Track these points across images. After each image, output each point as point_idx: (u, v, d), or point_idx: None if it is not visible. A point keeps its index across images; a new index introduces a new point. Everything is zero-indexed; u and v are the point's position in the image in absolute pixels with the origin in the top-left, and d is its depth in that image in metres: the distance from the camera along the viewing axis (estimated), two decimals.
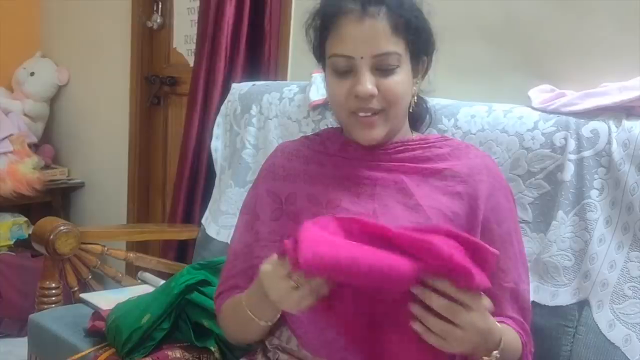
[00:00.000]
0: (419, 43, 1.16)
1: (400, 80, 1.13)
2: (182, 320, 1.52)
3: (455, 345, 0.96)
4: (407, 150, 1.21)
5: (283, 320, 1.17)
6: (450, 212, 1.14)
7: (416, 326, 0.94)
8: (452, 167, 1.18)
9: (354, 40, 1.11)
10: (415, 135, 1.27)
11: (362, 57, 1.11)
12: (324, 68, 1.21)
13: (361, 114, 1.14)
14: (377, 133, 1.16)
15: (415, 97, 1.22)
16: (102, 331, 1.61)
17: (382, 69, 1.12)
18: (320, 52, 1.20)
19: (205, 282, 1.53)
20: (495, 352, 1.03)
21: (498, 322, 1.13)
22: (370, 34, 1.11)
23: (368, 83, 1.11)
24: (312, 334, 1.15)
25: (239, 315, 1.15)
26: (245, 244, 1.25)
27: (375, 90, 1.12)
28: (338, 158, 1.22)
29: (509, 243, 1.18)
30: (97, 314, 1.69)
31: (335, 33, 1.13)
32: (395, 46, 1.12)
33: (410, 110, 1.23)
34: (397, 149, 1.21)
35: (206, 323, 1.48)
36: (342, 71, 1.14)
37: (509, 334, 1.11)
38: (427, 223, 1.12)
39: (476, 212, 1.15)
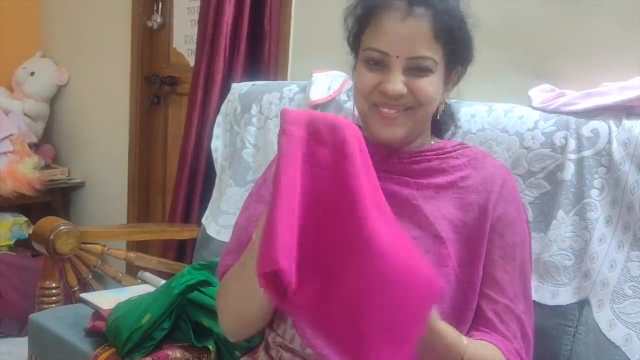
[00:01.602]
0: (457, 53, 1.14)
1: (433, 83, 1.12)
2: (183, 320, 1.52)
3: None
4: (422, 161, 1.18)
5: (286, 317, 1.16)
6: (459, 221, 1.13)
7: None
8: (467, 178, 1.17)
9: (393, 37, 1.10)
10: (434, 142, 1.24)
11: (397, 57, 1.10)
12: (355, 58, 1.19)
13: (385, 109, 1.12)
14: (398, 131, 1.14)
15: (443, 105, 1.21)
16: (102, 331, 1.61)
17: (415, 70, 1.11)
18: (355, 42, 1.18)
19: (205, 283, 1.53)
20: None
21: (478, 338, 1.11)
22: (411, 35, 1.09)
23: (398, 82, 1.10)
24: None
25: (242, 278, 1.07)
26: (249, 217, 1.22)
27: (404, 90, 1.11)
28: None
29: (510, 257, 1.15)
30: (97, 313, 1.69)
31: (375, 26, 1.12)
32: (432, 52, 1.10)
33: (438, 118, 1.21)
34: (413, 159, 1.18)
35: (206, 322, 1.48)
36: (373, 63, 1.12)
37: (478, 349, 1.08)
38: (434, 241, 1.11)
39: (484, 222, 1.14)
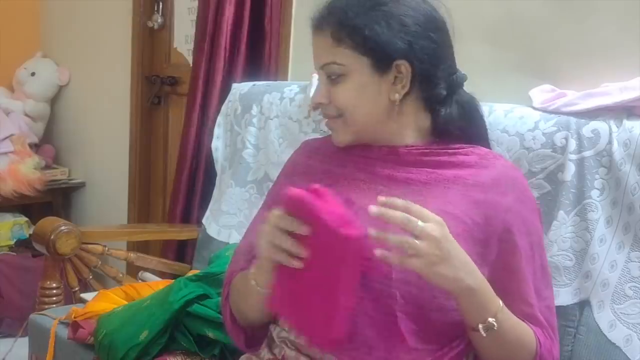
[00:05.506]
0: (377, 51, 1.13)
1: (350, 88, 1.15)
2: (179, 331, 1.49)
3: (426, 264, 0.98)
4: (431, 154, 1.19)
5: None
6: (469, 219, 1.12)
7: (378, 252, 0.97)
8: (476, 176, 1.16)
9: (313, 52, 1.20)
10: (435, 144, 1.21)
11: (316, 68, 1.19)
12: None
13: (325, 119, 1.22)
14: (340, 136, 1.20)
15: (398, 101, 1.16)
16: (84, 342, 1.59)
17: (331, 78, 1.17)
18: None
19: (204, 297, 1.50)
20: (491, 319, 1.04)
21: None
22: (318, 46, 1.18)
23: (317, 92, 1.19)
24: None
25: (243, 283, 1.17)
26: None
27: (323, 99, 1.18)
28: (360, 158, 1.22)
29: (531, 258, 1.15)
30: (75, 323, 1.63)
31: None
32: (335, 57, 1.15)
33: (396, 114, 1.17)
34: (422, 151, 1.19)
35: (211, 334, 1.45)
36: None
37: (513, 317, 1.10)
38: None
39: (493, 223, 1.13)
